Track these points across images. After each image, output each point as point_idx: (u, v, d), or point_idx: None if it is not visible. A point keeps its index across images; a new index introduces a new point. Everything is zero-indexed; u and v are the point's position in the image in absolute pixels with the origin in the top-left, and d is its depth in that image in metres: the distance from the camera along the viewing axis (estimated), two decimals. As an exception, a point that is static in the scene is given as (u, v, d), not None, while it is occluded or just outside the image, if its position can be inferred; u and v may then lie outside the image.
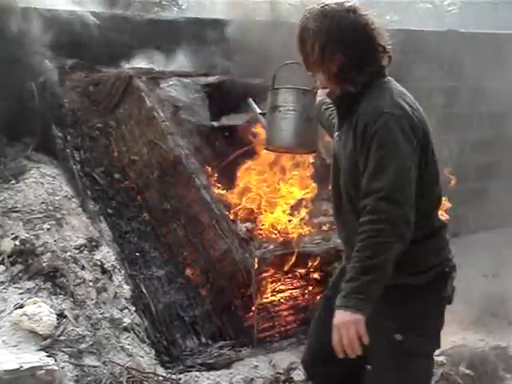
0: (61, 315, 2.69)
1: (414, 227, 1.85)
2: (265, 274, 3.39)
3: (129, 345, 2.89)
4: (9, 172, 3.49)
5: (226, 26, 4.46)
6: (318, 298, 3.38)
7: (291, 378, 3.03)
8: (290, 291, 3.53)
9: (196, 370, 3.07)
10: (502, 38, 6.36)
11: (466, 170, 6.05)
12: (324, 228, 3.69)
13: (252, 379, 3.03)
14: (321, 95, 2.43)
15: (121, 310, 3.04)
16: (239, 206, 3.66)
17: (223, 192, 3.74)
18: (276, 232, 3.55)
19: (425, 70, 5.49)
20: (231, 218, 3.57)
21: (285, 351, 3.34)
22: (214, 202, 3.58)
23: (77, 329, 2.68)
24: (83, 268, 3.07)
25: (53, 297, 2.78)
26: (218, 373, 3.06)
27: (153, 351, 3.07)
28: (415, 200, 1.87)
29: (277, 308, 3.49)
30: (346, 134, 1.99)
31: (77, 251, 3.15)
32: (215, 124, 4.13)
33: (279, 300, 3.50)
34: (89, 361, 2.63)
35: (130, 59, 4.47)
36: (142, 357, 2.91)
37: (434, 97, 5.90)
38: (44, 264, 2.90)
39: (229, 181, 3.82)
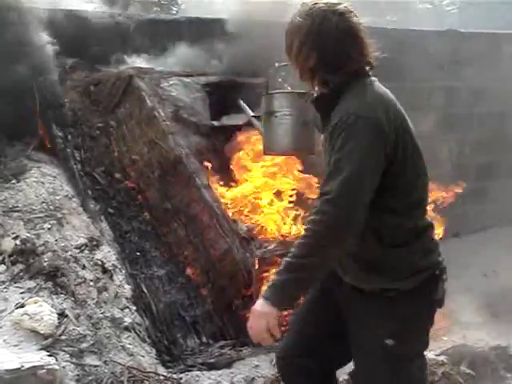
0: (62, 315, 2.68)
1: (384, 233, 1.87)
2: (265, 274, 3.39)
3: (130, 344, 2.88)
4: (9, 172, 3.48)
5: (226, 25, 4.45)
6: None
7: (292, 377, 3.03)
8: (290, 291, 3.53)
9: (197, 370, 3.07)
10: (502, 38, 6.37)
11: (465, 170, 6.06)
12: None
13: (253, 379, 3.03)
14: None
15: (122, 310, 3.03)
16: (239, 205, 3.66)
17: (224, 189, 3.75)
18: (276, 232, 3.55)
19: (425, 70, 5.49)
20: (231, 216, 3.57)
21: (285, 351, 3.34)
22: (215, 201, 3.59)
23: (78, 328, 2.67)
24: (84, 267, 3.06)
25: (54, 296, 2.78)
26: (219, 372, 3.05)
27: (154, 351, 3.07)
28: (392, 201, 1.87)
29: (277, 308, 3.49)
30: (327, 135, 1.99)
31: (77, 251, 3.14)
32: (216, 123, 4.12)
33: (279, 300, 3.50)
34: (90, 360, 2.62)
35: (130, 59, 4.47)
36: (143, 356, 2.91)
37: (434, 97, 5.92)
38: (45, 263, 2.89)
39: (229, 179, 3.83)
